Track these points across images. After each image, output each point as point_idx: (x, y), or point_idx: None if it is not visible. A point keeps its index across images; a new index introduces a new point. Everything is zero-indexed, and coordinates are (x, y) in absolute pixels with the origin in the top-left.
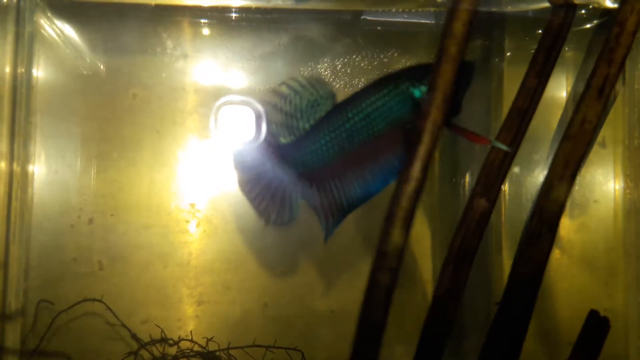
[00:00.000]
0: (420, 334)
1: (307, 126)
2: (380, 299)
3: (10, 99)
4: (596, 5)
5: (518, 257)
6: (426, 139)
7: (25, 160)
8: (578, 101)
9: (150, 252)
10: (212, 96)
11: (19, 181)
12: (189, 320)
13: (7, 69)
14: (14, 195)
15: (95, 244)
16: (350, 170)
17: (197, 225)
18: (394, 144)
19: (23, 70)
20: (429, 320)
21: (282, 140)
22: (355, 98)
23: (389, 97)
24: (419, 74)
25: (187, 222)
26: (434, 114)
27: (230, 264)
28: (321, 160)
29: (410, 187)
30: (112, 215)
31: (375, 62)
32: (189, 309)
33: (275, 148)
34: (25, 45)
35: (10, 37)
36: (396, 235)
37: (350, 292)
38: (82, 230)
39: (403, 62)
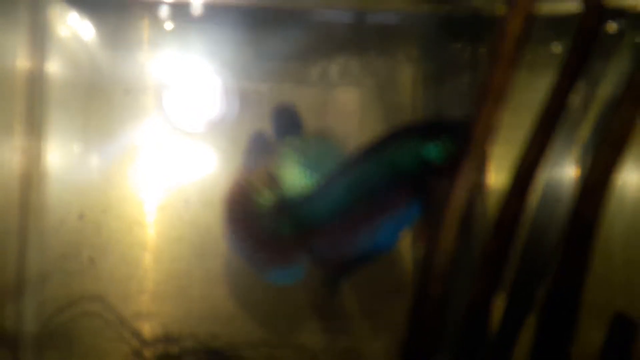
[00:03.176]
0: (457, 340)
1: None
2: (431, 311)
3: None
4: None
5: (561, 261)
6: (480, 140)
7: (40, 156)
8: (616, 106)
9: (142, 248)
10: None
11: (33, 178)
12: (183, 315)
13: (22, 62)
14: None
15: (86, 239)
16: (361, 226)
17: (190, 222)
18: (403, 199)
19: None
20: (465, 326)
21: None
22: (366, 153)
23: (397, 155)
24: (434, 131)
25: (180, 218)
26: (488, 116)
27: (223, 259)
28: (331, 215)
29: (462, 191)
30: (103, 210)
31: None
32: (182, 305)
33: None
34: (40, 37)
35: (24, 29)
36: (447, 243)
37: None
38: (73, 225)
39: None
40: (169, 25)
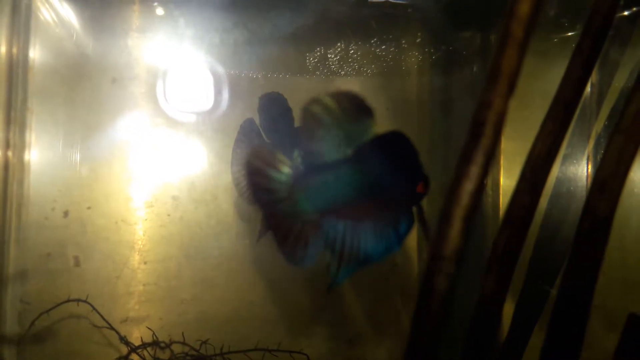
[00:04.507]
0: (466, 337)
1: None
2: (436, 308)
3: (6, 82)
4: None
5: (574, 256)
6: (489, 131)
7: (22, 148)
8: (630, 92)
9: (130, 247)
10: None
11: (14, 171)
12: (172, 318)
13: (3, 48)
14: (9, 186)
15: (71, 238)
16: (364, 219)
17: (180, 219)
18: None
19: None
20: (474, 324)
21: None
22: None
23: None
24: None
25: (168, 215)
26: (498, 103)
27: (214, 260)
28: (334, 202)
29: (470, 184)
30: (88, 207)
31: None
32: (171, 307)
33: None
34: (22, 22)
35: (6, 11)
36: (454, 236)
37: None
38: (57, 223)
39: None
40: (159, 11)
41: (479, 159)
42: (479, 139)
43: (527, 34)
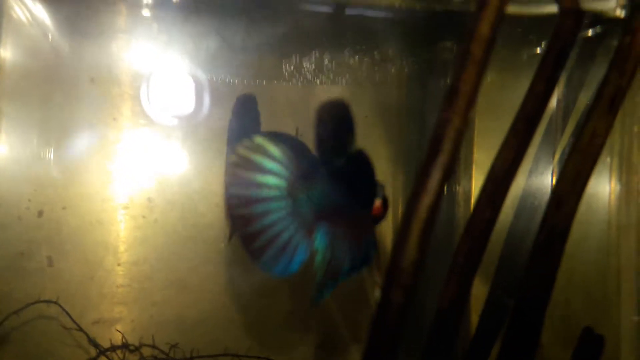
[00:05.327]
0: (424, 348)
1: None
2: (392, 319)
3: None
4: (601, 12)
5: (529, 269)
6: (447, 147)
7: None
8: (587, 112)
9: (104, 248)
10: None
11: None
12: (144, 320)
13: None
14: None
15: (45, 238)
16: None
17: (154, 221)
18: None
19: None
20: (432, 333)
21: None
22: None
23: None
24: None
25: (143, 217)
26: (456, 121)
27: (189, 263)
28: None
29: (428, 199)
30: (63, 208)
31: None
32: (144, 309)
33: None
34: None
35: None
36: (412, 249)
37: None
38: (31, 222)
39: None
40: (145, 12)
41: (437, 174)
42: (437, 155)
43: (487, 53)
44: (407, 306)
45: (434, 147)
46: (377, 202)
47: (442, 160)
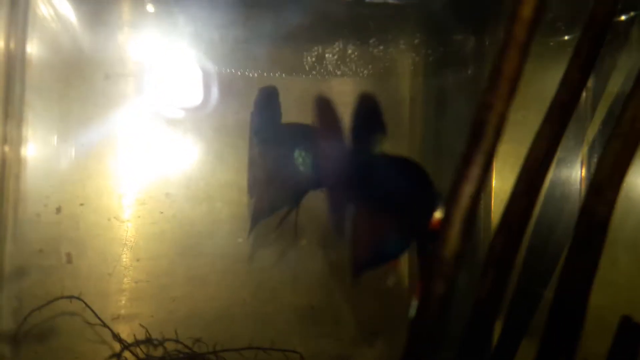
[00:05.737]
0: (461, 340)
1: None
2: (433, 310)
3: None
4: None
5: (569, 260)
6: (489, 133)
7: (19, 143)
8: (626, 97)
9: (122, 245)
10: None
11: (11, 167)
12: (163, 316)
13: (2, 43)
14: (6, 182)
15: (63, 234)
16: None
17: (172, 217)
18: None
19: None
20: (470, 325)
21: None
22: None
23: None
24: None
25: (161, 212)
26: (499, 105)
27: (207, 258)
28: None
29: (470, 187)
30: (81, 204)
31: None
32: (163, 305)
33: None
34: (20, 17)
35: (5, 5)
36: (454, 239)
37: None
38: (49, 219)
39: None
40: (150, 8)
41: (479, 160)
42: (480, 140)
43: (530, 36)
44: (448, 298)
45: (476, 133)
46: (437, 215)
47: (484, 147)
